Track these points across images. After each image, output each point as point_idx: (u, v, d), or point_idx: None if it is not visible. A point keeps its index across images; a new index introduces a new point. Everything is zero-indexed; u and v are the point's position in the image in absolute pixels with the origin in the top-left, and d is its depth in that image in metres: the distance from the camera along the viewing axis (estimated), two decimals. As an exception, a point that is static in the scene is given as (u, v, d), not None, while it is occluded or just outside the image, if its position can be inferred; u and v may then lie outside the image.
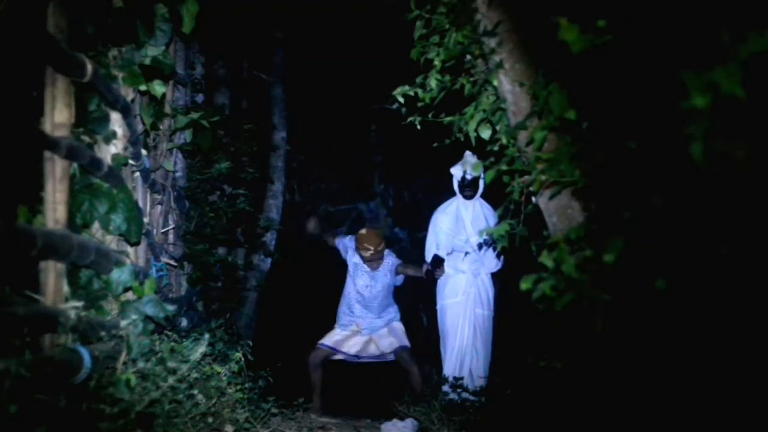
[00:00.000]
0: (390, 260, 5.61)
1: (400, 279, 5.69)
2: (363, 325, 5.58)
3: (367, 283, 5.59)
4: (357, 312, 5.59)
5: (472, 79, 3.04)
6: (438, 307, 5.58)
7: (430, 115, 3.18)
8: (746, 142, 1.45)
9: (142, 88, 3.28)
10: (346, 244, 5.71)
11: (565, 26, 1.74)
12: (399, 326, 5.62)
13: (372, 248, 5.48)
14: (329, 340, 5.56)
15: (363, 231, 5.65)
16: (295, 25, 7.98)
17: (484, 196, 5.59)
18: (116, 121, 3.11)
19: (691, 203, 1.61)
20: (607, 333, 1.92)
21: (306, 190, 9.11)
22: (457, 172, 5.54)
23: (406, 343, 5.52)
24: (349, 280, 5.65)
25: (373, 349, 5.59)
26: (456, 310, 5.42)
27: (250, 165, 6.32)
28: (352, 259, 5.64)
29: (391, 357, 5.56)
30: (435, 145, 3.28)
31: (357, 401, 5.66)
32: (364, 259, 5.54)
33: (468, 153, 5.36)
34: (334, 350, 5.54)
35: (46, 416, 2.13)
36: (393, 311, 5.67)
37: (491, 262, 5.42)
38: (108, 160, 3.03)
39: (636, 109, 1.81)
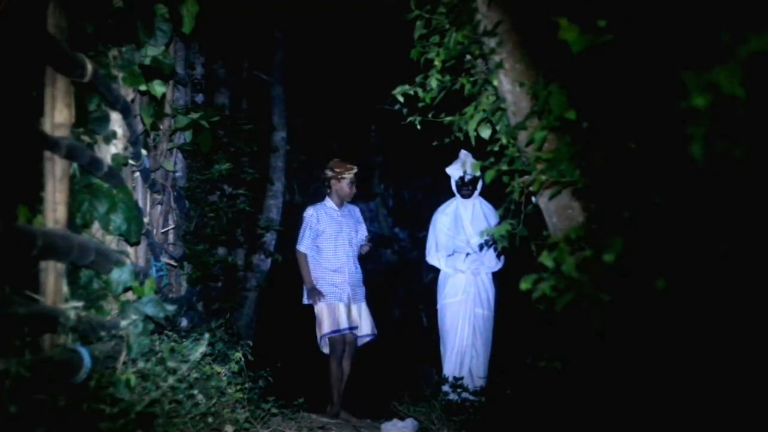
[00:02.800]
0: (356, 208, 5.71)
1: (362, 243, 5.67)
2: (351, 284, 5.46)
3: (347, 233, 5.54)
4: (347, 272, 5.47)
5: (472, 79, 3.04)
6: (438, 306, 5.58)
7: (430, 115, 3.18)
8: (746, 142, 1.45)
9: (142, 88, 3.28)
10: (310, 222, 5.50)
11: (565, 26, 1.74)
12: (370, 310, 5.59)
13: (354, 167, 5.53)
14: (333, 324, 5.37)
15: (335, 161, 5.61)
16: (295, 25, 7.97)
17: (483, 195, 5.59)
18: (116, 121, 3.11)
19: (691, 203, 1.61)
20: (607, 333, 1.92)
21: (306, 190, 9.11)
22: (453, 171, 5.54)
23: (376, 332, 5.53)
24: (326, 246, 5.47)
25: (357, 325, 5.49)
26: (455, 310, 5.42)
27: (250, 165, 6.32)
28: (323, 220, 5.50)
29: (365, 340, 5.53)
30: (435, 144, 3.28)
31: (357, 401, 5.65)
32: (348, 188, 5.52)
33: (463, 152, 5.36)
34: (347, 329, 5.41)
35: (46, 416, 2.13)
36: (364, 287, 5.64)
37: (491, 261, 5.42)
38: (108, 160, 3.03)
39: (636, 109, 1.81)
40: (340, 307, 5.39)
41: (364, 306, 5.54)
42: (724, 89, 1.44)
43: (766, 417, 1.55)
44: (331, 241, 5.49)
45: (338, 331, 5.36)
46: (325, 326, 5.36)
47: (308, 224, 5.50)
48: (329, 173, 5.60)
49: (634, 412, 1.89)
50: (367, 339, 5.53)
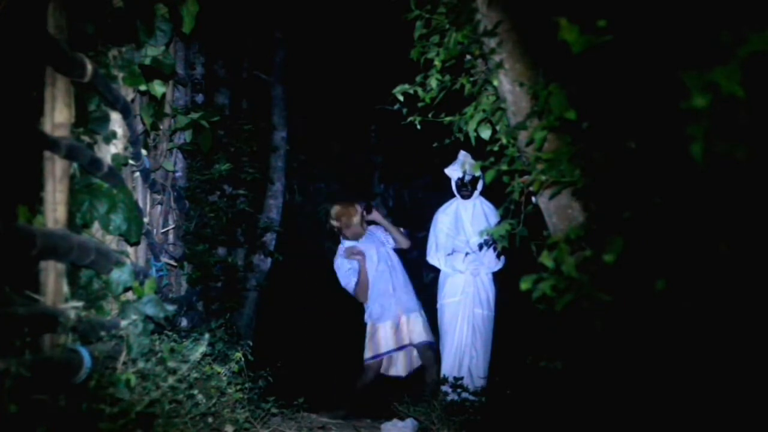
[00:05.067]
0: (372, 228, 5.65)
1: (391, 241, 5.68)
2: (399, 302, 5.46)
3: (377, 256, 5.53)
4: (394, 287, 5.47)
5: (472, 79, 3.04)
6: (437, 306, 5.58)
7: (430, 115, 3.17)
8: (746, 142, 1.45)
9: (142, 88, 3.28)
10: (338, 267, 5.55)
11: (565, 26, 1.74)
12: (424, 317, 5.55)
13: (357, 205, 5.51)
14: (375, 349, 5.42)
15: (336, 210, 5.55)
16: (295, 25, 7.98)
17: (485, 193, 5.58)
18: (116, 121, 3.11)
19: (691, 203, 1.61)
20: (607, 333, 1.92)
21: (306, 190, 9.11)
22: (452, 172, 5.53)
23: (432, 339, 5.47)
24: (375, 274, 5.49)
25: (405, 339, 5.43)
26: (454, 310, 5.41)
27: (250, 165, 6.32)
28: (351, 258, 5.55)
29: (416, 358, 5.49)
30: (435, 144, 3.28)
31: (357, 401, 5.65)
32: (360, 227, 5.51)
33: (462, 152, 5.36)
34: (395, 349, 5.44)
35: (46, 416, 2.13)
36: (415, 294, 5.61)
37: (491, 261, 5.41)
38: (108, 160, 3.03)
39: (636, 109, 1.81)
40: (387, 327, 5.42)
41: (415, 315, 5.50)
42: (724, 89, 1.44)
43: (766, 417, 1.55)
44: (372, 270, 5.52)
45: (380, 355, 5.40)
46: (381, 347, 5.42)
47: (344, 267, 5.53)
48: (336, 224, 5.58)
49: (635, 412, 1.89)
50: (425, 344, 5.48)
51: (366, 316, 5.52)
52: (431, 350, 5.42)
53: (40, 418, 2.10)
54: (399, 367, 5.49)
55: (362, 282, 5.47)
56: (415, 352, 5.47)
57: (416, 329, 5.43)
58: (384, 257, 5.57)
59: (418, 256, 6.14)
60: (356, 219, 5.50)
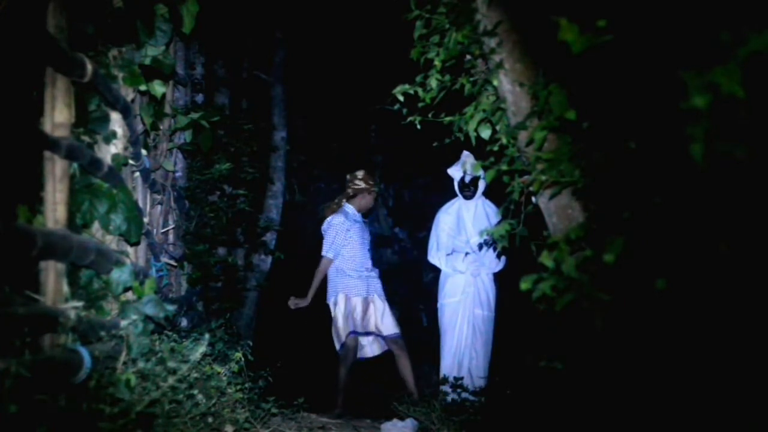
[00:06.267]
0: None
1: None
2: (372, 283, 5.55)
3: (365, 236, 5.67)
4: (369, 268, 5.57)
5: (472, 79, 3.04)
6: (437, 306, 5.58)
7: (430, 115, 3.18)
8: (746, 142, 1.45)
9: (142, 88, 3.28)
10: (337, 225, 5.57)
11: (565, 26, 1.74)
12: (390, 306, 5.61)
13: (374, 188, 5.66)
14: (351, 325, 5.45)
15: (365, 174, 5.69)
16: (295, 25, 7.98)
17: (487, 194, 5.58)
18: (116, 121, 3.11)
19: (691, 203, 1.61)
20: (607, 333, 1.92)
21: (306, 190, 9.10)
22: (455, 173, 5.53)
23: (399, 331, 5.50)
24: (354, 248, 5.53)
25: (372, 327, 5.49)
26: (454, 310, 5.42)
27: (250, 165, 6.31)
28: (353, 228, 5.57)
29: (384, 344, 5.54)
30: (435, 144, 3.28)
31: (357, 401, 5.65)
32: (373, 203, 5.74)
33: (465, 153, 5.36)
34: (363, 333, 5.48)
35: (46, 416, 2.13)
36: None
37: (492, 262, 5.42)
38: (108, 160, 3.03)
39: (636, 109, 1.81)
40: (359, 304, 5.47)
41: (380, 298, 5.56)
42: (724, 89, 1.44)
43: (766, 417, 1.55)
44: (358, 246, 5.56)
45: (353, 333, 5.45)
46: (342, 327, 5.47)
47: (338, 232, 5.56)
48: (362, 185, 5.65)
49: (635, 412, 1.89)
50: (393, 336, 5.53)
51: (340, 289, 5.51)
52: (396, 343, 5.46)
53: (40, 418, 2.10)
54: (367, 350, 5.56)
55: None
56: (381, 340, 5.53)
57: (385, 321, 5.46)
58: (368, 239, 5.70)
59: (417, 256, 6.15)
60: (375, 192, 5.67)
